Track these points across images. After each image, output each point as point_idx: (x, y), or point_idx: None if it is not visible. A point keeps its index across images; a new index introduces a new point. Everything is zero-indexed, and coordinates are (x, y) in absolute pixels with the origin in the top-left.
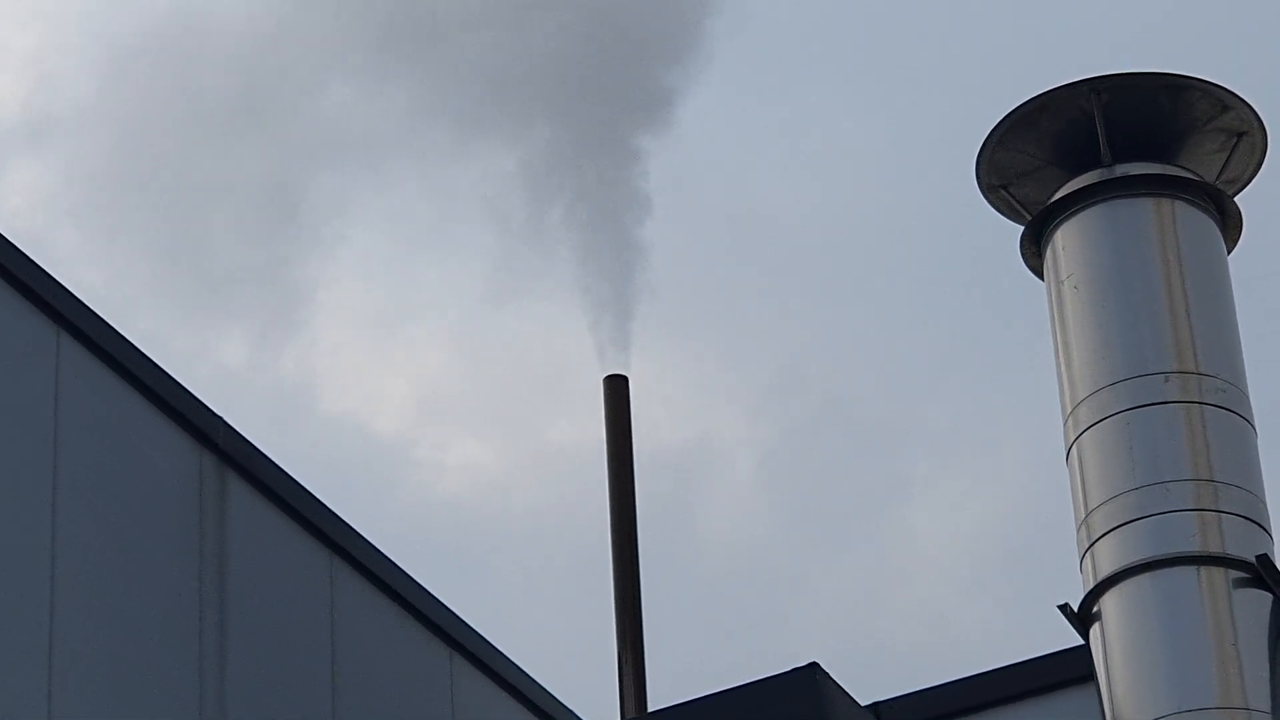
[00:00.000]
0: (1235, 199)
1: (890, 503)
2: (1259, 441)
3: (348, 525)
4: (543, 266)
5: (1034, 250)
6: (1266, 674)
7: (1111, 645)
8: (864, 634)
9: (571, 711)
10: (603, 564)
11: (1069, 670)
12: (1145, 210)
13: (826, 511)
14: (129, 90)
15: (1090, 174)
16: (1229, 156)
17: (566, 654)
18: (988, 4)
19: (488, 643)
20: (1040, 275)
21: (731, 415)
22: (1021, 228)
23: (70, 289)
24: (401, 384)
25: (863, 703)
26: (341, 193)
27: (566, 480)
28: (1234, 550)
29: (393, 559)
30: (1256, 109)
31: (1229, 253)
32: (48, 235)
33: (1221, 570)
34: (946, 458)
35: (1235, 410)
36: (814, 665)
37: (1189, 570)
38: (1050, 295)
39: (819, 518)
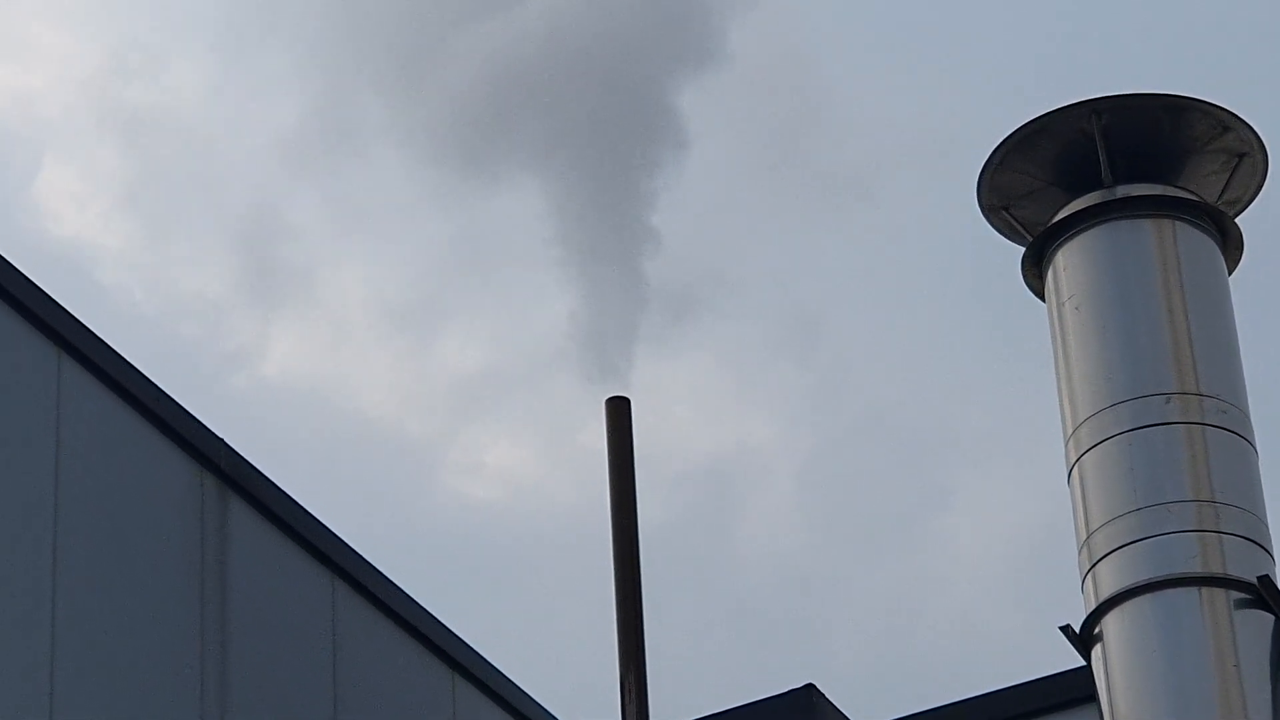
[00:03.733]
0: (1236, 220)
1: (928, 512)
2: (1260, 462)
3: (349, 547)
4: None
5: (1035, 271)
6: (1268, 695)
7: (1113, 666)
8: (899, 644)
9: None
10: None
11: (1072, 691)
12: (1146, 231)
13: (864, 521)
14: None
15: (1091, 195)
16: (1230, 177)
17: (581, 668)
18: (989, 26)
19: (489, 664)
20: (1041, 296)
21: (769, 426)
22: (1022, 249)
23: (71, 311)
24: (435, 383)
25: None
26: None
27: (595, 486)
28: (1235, 571)
29: (394, 580)
30: (1257, 130)
31: (1230, 273)
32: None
33: (1223, 591)
34: (984, 466)
35: (1236, 431)
36: (810, 687)
37: (1190, 591)
38: (1051, 316)
39: (857, 528)
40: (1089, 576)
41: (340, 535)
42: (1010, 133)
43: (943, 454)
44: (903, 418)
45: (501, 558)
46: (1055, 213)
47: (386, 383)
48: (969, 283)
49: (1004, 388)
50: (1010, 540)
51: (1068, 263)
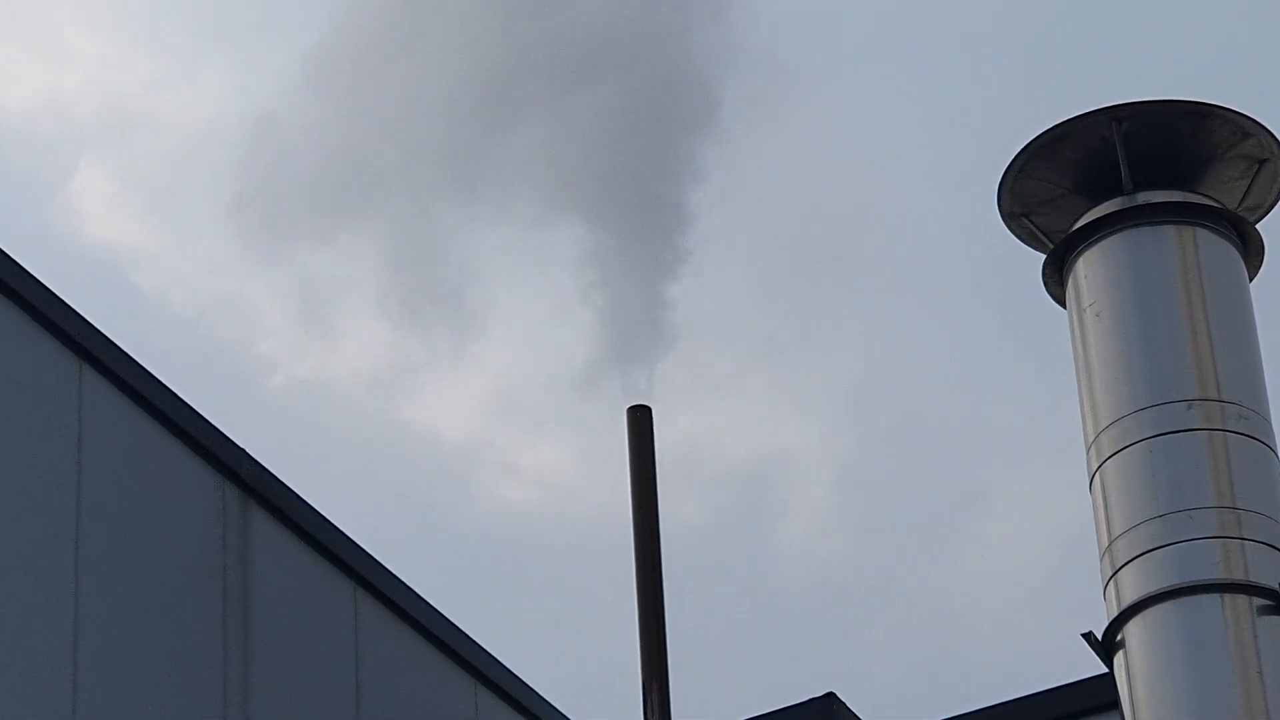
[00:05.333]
0: (1257, 226)
1: (964, 515)
2: None
3: (371, 557)
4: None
5: (1056, 279)
6: None
7: (1136, 673)
8: (935, 649)
9: None
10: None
11: (1094, 698)
12: (1167, 238)
13: (900, 525)
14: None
15: (1112, 202)
16: (1251, 183)
17: (608, 674)
18: (1009, 33)
19: (512, 673)
20: (1063, 303)
21: (807, 430)
22: (1043, 256)
23: (93, 322)
24: (474, 387)
25: None
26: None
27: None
28: (1258, 578)
29: (421, 586)
30: (1278, 135)
31: (1251, 280)
32: None
33: (1245, 598)
34: (1020, 470)
35: (1258, 437)
36: (830, 695)
37: (1213, 598)
38: (1072, 323)
39: (893, 531)
40: (1111, 583)
41: (362, 544)
42: (1031, 140)
43: (979, 457)
44: (939, 421)
45: (535, 562)
46: (1076, 220)
47: (423, 384)
48: (1005, 285)
49: (1041, 390)
50: (1046, 543)
51: (1088, 270)
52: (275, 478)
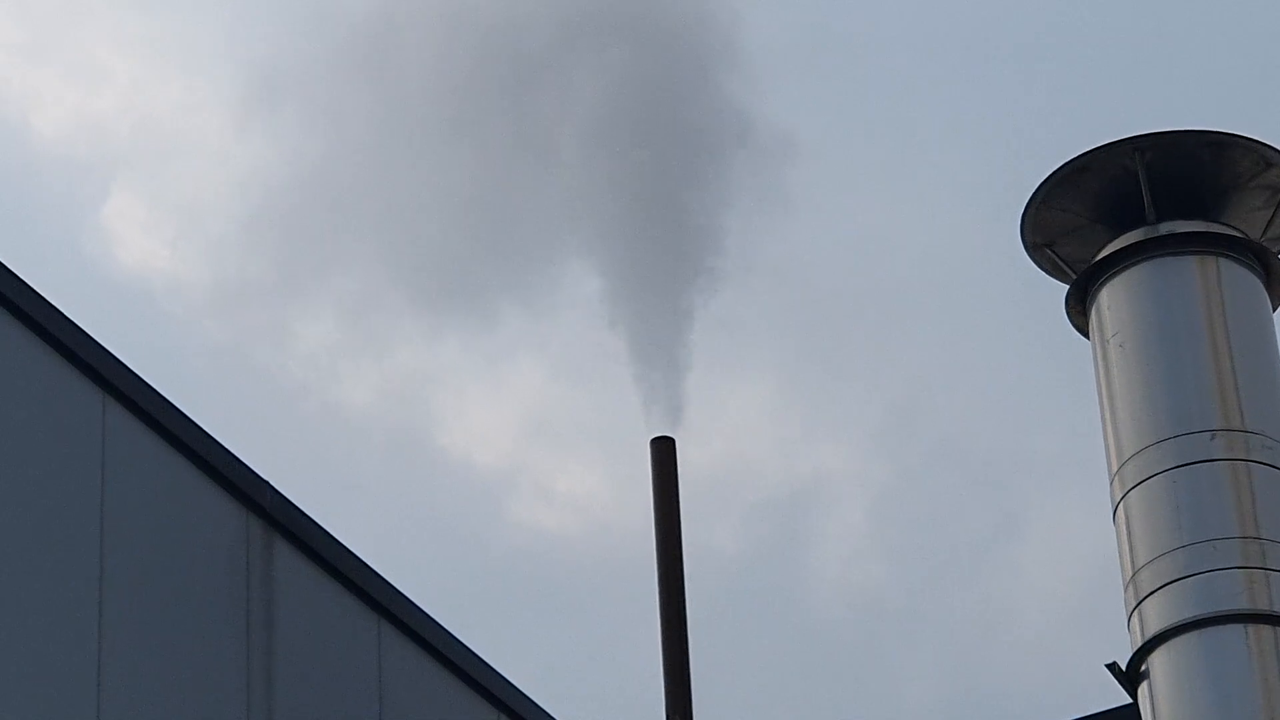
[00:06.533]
0: None
1: (1000, 541)
2: None
3: (394, 588)
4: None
5: (1079, 309)
6: None
7: (1160, 703)
8: (969, 675)
9: None
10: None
11: None
12: (1189, 268)
13: (936, 551)
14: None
15: (1134, 232)
16: (1273, 213)
17: (639, 702)
18: (1031, 65)
19: (536, 705)
20: (1086, 334)
21: (844, 456)
22: (1066, 286)
23: (118, 352)
24: (507, 413)
25: None
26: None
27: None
28: None
29: (443, 617)
30: None
31: (1274, 309)
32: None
33: (1270, 628)
34: (1055, 495)
35: None
36: None
37: (1237, 628)
38: (1095, 354)
39: (928, 557)
40: (1135, 614)
41: (393, 568)
42: (1053, 170)
43: (1013, 483)
44: (973, 448)
45: (566, 587)
46: (1098, 250)
47: (455, 408)
48: (1040, 312)
49: (1074, 417)
50: (1081, 570)
51: (1111, 300)
52: (299, 509)
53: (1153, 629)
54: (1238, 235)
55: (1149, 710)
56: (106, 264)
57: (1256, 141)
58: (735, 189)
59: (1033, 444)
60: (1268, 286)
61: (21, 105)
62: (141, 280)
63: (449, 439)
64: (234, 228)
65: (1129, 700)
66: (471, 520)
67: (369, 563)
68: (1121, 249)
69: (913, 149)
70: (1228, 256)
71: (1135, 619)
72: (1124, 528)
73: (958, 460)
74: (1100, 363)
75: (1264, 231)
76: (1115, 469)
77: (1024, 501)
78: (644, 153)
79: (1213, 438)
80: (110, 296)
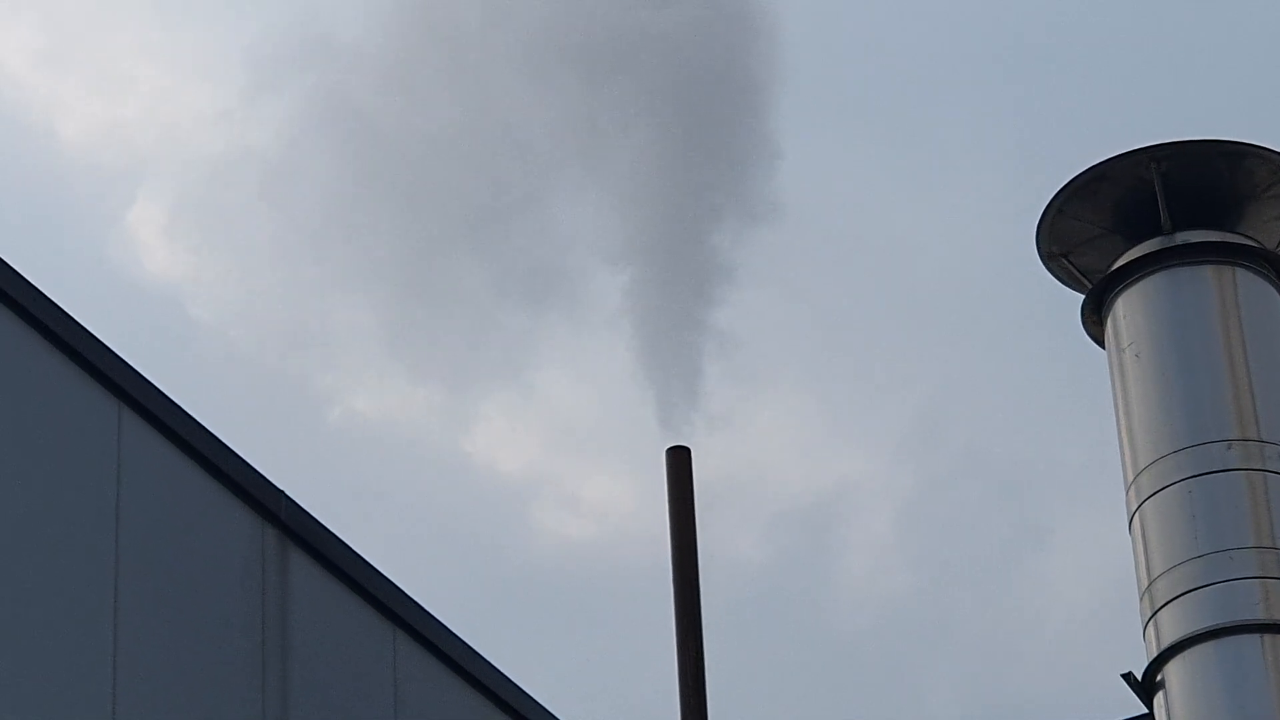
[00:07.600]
0: None
1: (1025, 551)
2: None
3: (411, 599)
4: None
5: (1095, 318)
6: None
7: (1176, 713)
8: (997, 684)
9: None
10: (708, 618)
11: None
12: (1205, 278)
13: (961, 560)
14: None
15: (1150, 242)
16: None
17: (658, 710)
18: (1049, 77)
19: (553, 717)
20: (1101, 344)
21: (869, 465)
22: (1082, 295)
23: (132, 362)
24: (532, 422)
25: None
26: None
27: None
28: None
29: (463, 626)
30: None
31: None
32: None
33: None
34: (1080, 505)
35: None
36: None
37: (1253, 638)
38: (1111, 363)
39: (953, 567)
40: (1151, 623)
41: (411, 579)
42: (1069, 180)
43: (1038, 494)
44: (998, 458)
45: (588, 595)
46: (1114, 259)
47: (481, 419)
48: (1063, 323)
49: (1098, 427)
50: (1105, 580)
51: (1127, 310)
52: (315, 520)
53: (1168, 639)
54: (1254, 245)
55: None
56: (132, 270)
57: (1273, 151)
58: (758, 201)
59: (1055, 454)
60: None
61: (47, 113)
62: (167, 286)
63: (473, 447)
64: (260, 235)
65: (1143, 711)
66: (494, 529)
67: (388, 573)
68: (1137, 259)
69: (936, 161)
70: (1243, 266)
71: (1151, 629)
72: (1140, 537)
73: (981, 470)
74: (1116, 372)
75: None
76: (1131, 478)
77: (1047, 511)
78: (670, 165)
79: (1229, 447)
80: (135, 302)
